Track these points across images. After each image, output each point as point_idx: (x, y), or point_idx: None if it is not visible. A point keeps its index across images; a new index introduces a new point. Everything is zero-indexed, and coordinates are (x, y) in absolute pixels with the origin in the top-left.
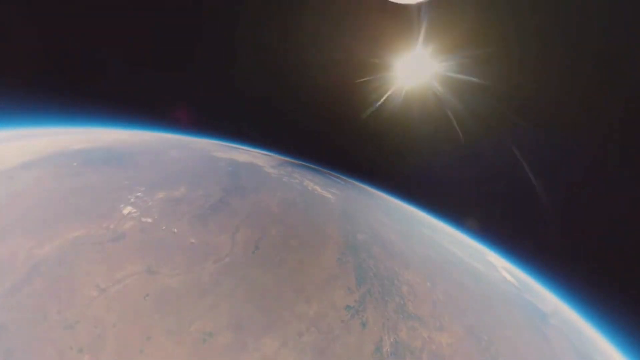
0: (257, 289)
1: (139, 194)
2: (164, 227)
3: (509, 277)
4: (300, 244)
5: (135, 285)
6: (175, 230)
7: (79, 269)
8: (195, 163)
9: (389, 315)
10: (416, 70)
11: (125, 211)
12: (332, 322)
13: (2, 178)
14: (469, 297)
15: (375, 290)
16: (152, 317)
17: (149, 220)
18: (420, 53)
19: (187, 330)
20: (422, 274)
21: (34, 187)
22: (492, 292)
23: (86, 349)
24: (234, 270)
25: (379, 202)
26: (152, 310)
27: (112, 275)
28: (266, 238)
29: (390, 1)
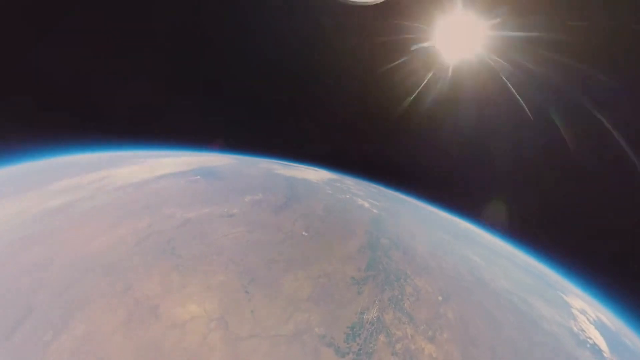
0: (303, 250)
1: (236, 195)
2: (254, 215)
3: (592, 334)
4: (334, 235)
5: (241, 236)
6: (261, 216)
7: (210, 225)
8: (264, 178)
9: (382, 299)
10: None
11: (231, 204)
12: (339, 280)
13: (158, 181)
14: (491, 332)
15: (380, 278)
16: (248, 249)
17: (245, 209)
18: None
19: (264, 258)
20: (436, 286)
21: (177, 187)
22: (537, 340)
23: (215, 247)
24: (292, 239)
25: (422, 214)
26: (249, 247)
27: (229, 230)
28: (312, 227)
29: None
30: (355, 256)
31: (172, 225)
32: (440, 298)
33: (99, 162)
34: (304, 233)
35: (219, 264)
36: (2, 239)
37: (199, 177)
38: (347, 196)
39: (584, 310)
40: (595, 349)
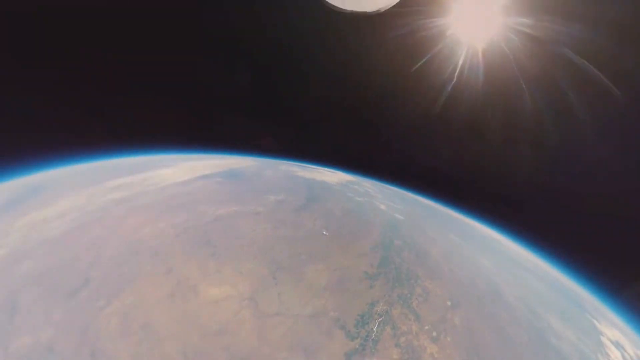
0: (322, 246)
1: (260, 195)
2: (278, 214)
3: None
4: (350, 234)
5: (267, 231)
6: (284, 215)
7: (239, 221)
8: (285, 180)
9: (391, 296)
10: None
11: (256, 203)
12: (353, 273)
13: (191, 182)
14: (499, 346)
15: (391, 275)
16: (274, 243)
17: (269, 208)
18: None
19: (289, 251)
20: (446, 291)
21: (208, 187)
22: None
23: (245, 240)
24: (313, 237)
25: (442, 219)
26: (275, 241)
27: (256, 226)
28: (331, 226)
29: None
30: (369, 254)
31: (206, 220)
32: (449, 303)
33: (146, 164)
34: (324, 232)
35: (249, 254)
36: (68, 223)
37: (227, 178)
38: (365, 198)
39: (620, 344)
40: None
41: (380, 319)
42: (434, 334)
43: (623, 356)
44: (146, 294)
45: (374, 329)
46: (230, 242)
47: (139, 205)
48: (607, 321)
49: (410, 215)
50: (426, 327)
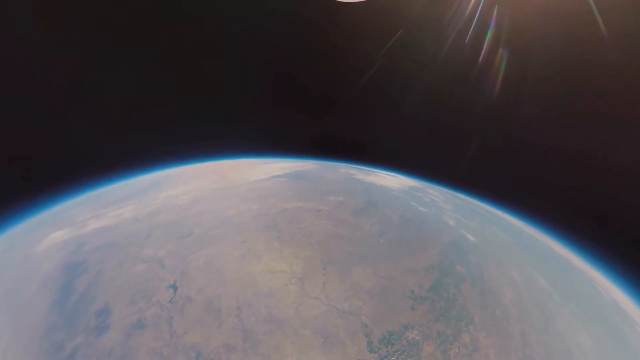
0: (375, 251)
1: (322, 195)
2: (337, 213)
3: None
4: (406, 245)
5: (326, 228)
6: (343, 216)
7: (303, 216)
8: (345, 182)
9: (430, 328)
10: None
11: (318, 202)
12: (398, 287)
13: (266, 180)
14: None
15: (438, 306)
16: (331, 239)
17: (330, 208)
18: None
19: (342, 248)
20: (504, 358)
21: (278, 185)
22: None
23: (306, 231)
24: (368, 241)
25: (538, 253)
26: (332, 237)
27: (317, 222)
28: (387, 234)
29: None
30: (422, 272)
31: (275, 211)
32: None
33: (236, 166)
34: (380, 239)
35: (308, 243)
36: (188, 198)
37: (294, 178)
38: (430, 209)
39: None
40: None
41: (408, 347)
42: None
43: None
44: (225, 251)
45: (397, 354)
46: (294, 230)
47: (229, 193)
48: None
49: (486, 238)
50: None
